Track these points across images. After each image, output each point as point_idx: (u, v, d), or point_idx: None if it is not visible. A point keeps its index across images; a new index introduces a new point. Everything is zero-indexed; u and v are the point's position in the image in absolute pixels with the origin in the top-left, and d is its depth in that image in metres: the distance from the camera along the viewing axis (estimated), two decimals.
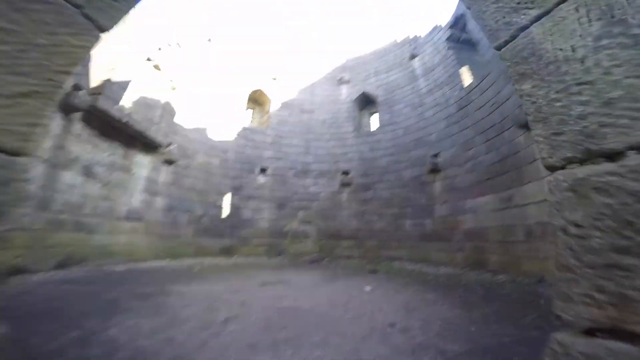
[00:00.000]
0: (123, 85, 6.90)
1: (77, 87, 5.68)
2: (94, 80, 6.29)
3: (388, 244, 9.13)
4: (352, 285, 4.98)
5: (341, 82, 12.73)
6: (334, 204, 10.46)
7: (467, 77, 8.52)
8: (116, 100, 6.62)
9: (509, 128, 6.38)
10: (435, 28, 10.32)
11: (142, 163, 7.64)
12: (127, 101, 7.19)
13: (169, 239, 7.96)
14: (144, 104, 7.90)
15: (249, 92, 11.76)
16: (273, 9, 14.20)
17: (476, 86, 7.74)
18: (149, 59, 8.13)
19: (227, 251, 8.99)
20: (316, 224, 10.27)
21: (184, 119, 9.16)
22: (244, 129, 10.79)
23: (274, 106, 12.00)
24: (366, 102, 12.44)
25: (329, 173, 10.91)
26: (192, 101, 9.63)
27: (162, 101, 8.33)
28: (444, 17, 9.83)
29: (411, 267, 7.64)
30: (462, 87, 8.41)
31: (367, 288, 4.70)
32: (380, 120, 11.11)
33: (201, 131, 9.57)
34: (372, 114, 12.38)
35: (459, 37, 9.19)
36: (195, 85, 9.92)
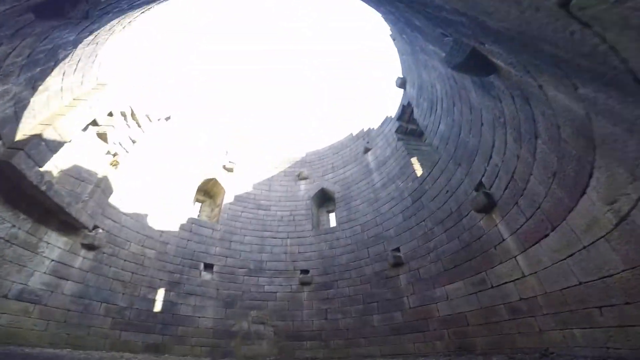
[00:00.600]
0: (54, 147, 6.08)
1: None
2: (21, 132, 5.50)
3: (356, 341, 7.81)
4: None
5: (300, 177, 12.72)
6: (293, 303, 9.04)
7: (417, 167, 8.82)
8: (39, 163, 5.69)
9: (467, 214, 6.32)
10: (386, 120, 11.13)
11: (55, 243, 6.26)
12: (53, 167, 6.26)
13: (77, 327, 6.18)
14: (74, 175, 6.98)
15: (201, 180, 11.17)
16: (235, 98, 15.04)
17: (427, 176, 7.93)
18: (95, 123, 7.55)
19: (155, 348, 7.08)
20: (272, 324, 8.64)
21: (122, 201, 8.15)
22: (190, 220, 9.75)
23: (227, 199, 11.34)
24: (324, 199, 12.32)
25: (286, 272, 9.76)
26: (136, 183, 8.79)
27: (99, 176, 7.44)
28: (394, 107, 10.69)
29: None
30: (414, 178, 8.59)
31: None
32: (339, 218, 10.79)
33: (140, 218, 8.43)
34: (329, 211, 12.15)
35: (406, 128, 9.90)
36: (143, 166, 9.25)
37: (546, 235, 4.16)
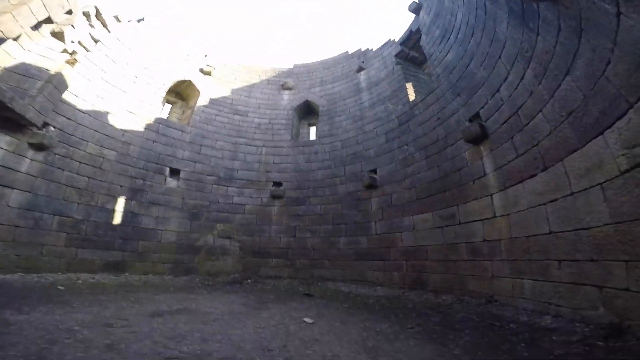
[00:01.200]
0: None
1: None
2: None
3: (321, 262, 8.25)
4: (286, 315, 3.83)
5: (284, 87, 11.84)
6: (261, 218, 9.16)
7: (411, 93, 8.42)
8: None
9: (453, 144, 6.21)
10: (387, 43, 10.23)
11: None
12: None
13: (26, 246, 5.63)
14: (20, 72, 5.87)
15: (174, 81, 10.01)
16: None
17: (420, 101, 7.57)
18: (49, 21, 6.20)
19: (115, 267, 6.85)
20: (239, 239, 8.77)
21: (79, 98, 7.11)
22: (158, 120, 8.91)
23: (201, 101, 10.39)
24: (307, 112, 11.75)
25: (258, 183, 9.65)
26: (97, 82, 7.66)
27: (51, 72, 6.30)
28: (399, 31, 9.83)
29: (347, 288, 6.83)
30: (405, 102, 8.20)
31: (308, 320, 3.58)
32: (320, 131, 10.44)
33: (99, 115, 7.50)
34: (311, 124, 11.71)
35: (407, 54, 9.21)
36: (106, 66, 8.01)
37: (533, 175, 4.11)
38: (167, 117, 10.26)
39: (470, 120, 5.77)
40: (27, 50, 6.12)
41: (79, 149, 6.88)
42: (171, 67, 10.08)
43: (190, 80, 10.46)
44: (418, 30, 8.60)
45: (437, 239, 6.13)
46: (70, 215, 6.45)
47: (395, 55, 9.41)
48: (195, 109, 10.15)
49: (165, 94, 9.70)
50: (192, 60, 10.91)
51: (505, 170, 4.77)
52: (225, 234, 8.69)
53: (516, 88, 4.57)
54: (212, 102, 10.63)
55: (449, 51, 6.79)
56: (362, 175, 8.45)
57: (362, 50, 11.44)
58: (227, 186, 9.37)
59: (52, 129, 6.33)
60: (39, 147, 6.02)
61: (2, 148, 5.48)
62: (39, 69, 6.14)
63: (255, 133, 10.64)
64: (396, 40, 9.71)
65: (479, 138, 5.36)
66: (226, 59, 12.32)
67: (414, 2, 8.72)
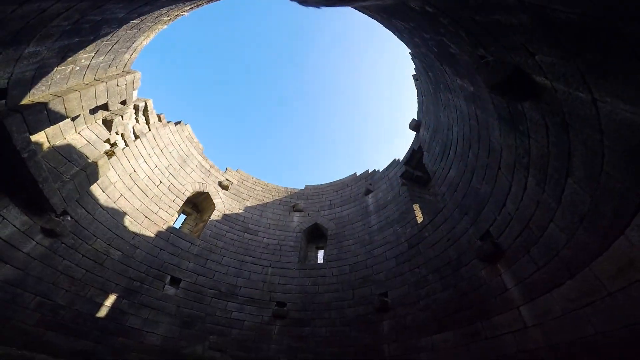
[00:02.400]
0: (54, 118, 5.76)
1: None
2: (30, 97, 5.20)
3: None
4: None
5: (295, 209, 12.41)
6: (260, 336, 8.07)
7: (419, 214, 8.68)
8: (32, 129, 5.34)
9: (467, 264, 6.04)
10: (392, 163, 11.14)
11: (11, 220, 5.50)
12: (45, 139, 5.93)
13: None
14: (64, 153, 6.56)
15: (193, 192, 10.76)
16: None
17: (428, 223, 7.74)
18: (105, 107, 7.23)
19: (82, 356, 5.80)
20: (232, 354, 7.54)
21: (104, 193, 7.62)
22: (170, 229, 9.16)
23: (215, 216, 10.84)
24: (316, 234, 11.91)
25: (260, 301, 8.95)
26: (125, 179, 8.36)
27: (89, 160, 7.03)
28: (402, 150, 10.90)
29: None
30: (414, 225, 8.36)
31: None
32: (328, 255, 10.32)
33: (117, 215, 7.83)
34: (319, 248, 11.66)
35: (412, 174, 9.85)
36: (137, 164, 8.91)
37: (561, 284, 3.86)
38: (180, 227, 10.52)
39: (481, 239, 5.76)
40: (78, 132, 6.88)
41: (87, 243, 6.88)
42: (194, 178, 10.99)
43: (208, 193, 11.19)
44: (420, 148, 9.51)
45: (462, 356, 5.30)
46: (53, 299, 5.93)
47: (401, 176, 10.08)
48: (208, 222, 10.47)
49: (183, 203, 10.23)
50: (213, 173, 11.95)
51: (528, 283, 4.49)
52: (218, 346, 7.60)
53: (522, 200, 4.71)
54: (225, 217, 11.05)
55: (450, 167, 7.31)
56: (372, 298, 7.86)
57: (370, 172, 12.41)
58: (228, 301, 8.72)
59: (69, 218, 6.53)
60: (49, 234, 6.06)
61: (14, 226, 5.53)
62: (80, 155, 6.79)
63: (262, 253, 10.58)
64: (401, 159, 10.66)
65: (494, 256, 5.26)
66: (244, 175, 13.38)
67: (414, 119, 10.03)
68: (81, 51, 5.39)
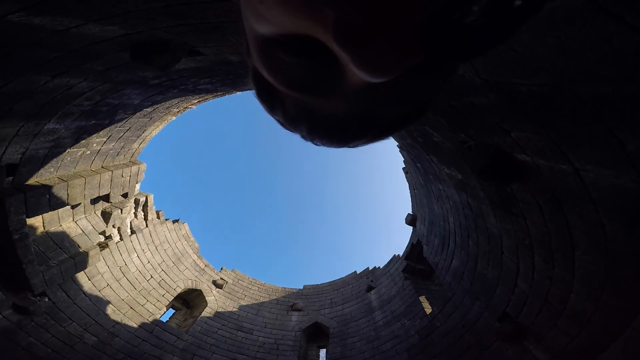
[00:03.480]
0: (55, 204, 5.84)
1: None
2: (36, 178, 5.36)
3: None
4: None
5: (293, 308, 11.61)
6: None
7: (427, 306, 8.09)
8: (30, 212, 5.39)
9: (490, 347, 5.51)
10: (393, 259, 10.84)
11: None
12: (40, 223, 5.92)
13: None
14: (56, 240, 6.47)
15: (185, 288, 10.20)
16: None
17: (439, 313, 7.20)
18: (107, 198, 7.37)
19: None
20: None
21: (90, 281, 7.27)
22: (155, 322, 8.39)
23: (206, 313, 10.05)
24: (317, 333, 10.89)
25: None
26: (114, 271, 8.06)
27: (80, 249, 6.88)
28: (402, 244, 10.57)
29: None
30: (423, 317, 7.77)
31: None
32: (331, 354, 9.22)
33: (100, 303, 7.29)
34: (321, 347, 10.53)
35: (414, 268, 9.49)
36: (129, 259, 8.70)
37: (605, 349, 3.54)
38: (167, 321, 9.68)
39: (499, 320, 5.34)
40: (75, 221, 6.84)
41: (60, 325, 6.32)
42: (187, 276, 10.58)
43: (200, 291, 10.63)
44: (419, 242, 9.34)
45: None
46: None
47: (403, 271, 9.75)
48: (199, 319, 9.69)
49: (173, 298, 9.62)
50: (208, 272, 11.59)
51: (565, 354, 4.14)
52: None
53: (533, 278, 4.48)
54: (218, 315, 10.27)
55: (452, 257, 7.10)
56: None
57: (370, 269, 12.04)
58: None
59: (46, 299, 6.13)
60: (20, 311, 5.67)
61: None
62: (72, 244, 6.64)
63: (257, 352, 9.49)
64: (401, 254, 10.36)
65: (517, 335, 4.89)
66: (239, 275, 12.94)
67: (409, 214, 9.99)
68: (95, 135, 5.80)
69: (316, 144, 0.49)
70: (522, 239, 4.43)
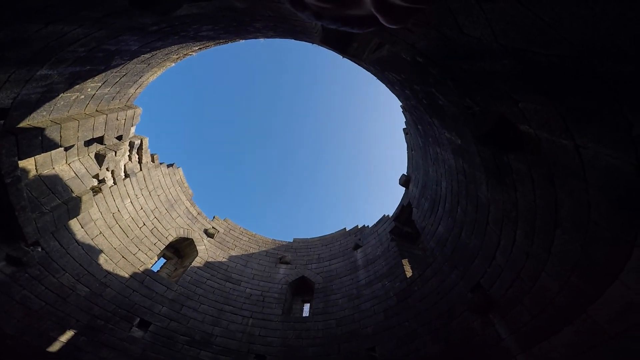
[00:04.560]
0: (48, 146, 5.70)
1: None
2: (29, 121, 5.17)
3: None
4: None
5: (281, 261, 12.00)
6: None
7: (408, 269, 8.50)
8: (22, 154, 5.28)
9: (459, 316, 5.85)
10: (382, 219, 11.16)
11: None
12: (33, 166, 5.82)
13: None
14: (49, 184, 6.40)
15: (176, 237, 10.37)
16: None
17: (418, 277, 7.61)
18: (101, 140, 7.19)
19: None
20: None
21: (83, 228, 7.30)
22: (146, 272, 8.64)
23: (196, 262, 10.34)
24: (303, 287, 11.39)
25: (237, 352, 8.15)
26: (107, 217, 8.09)
27: (73, 195, 6.84)
28: (393, 205, 10.88)
29: None
30: (403, 279, 8.21)
31: None
32: (314, 309, 9.77)
33: (92, 251, 7.41)
34: (305, 301, 11.10)
35: (401, 230, 9.82)
36: (123, 203, 8.69)
37: (558, 331, 3.77)
38: (158, 271, 9.95)
39: (472, 291, 5.65)
40: (68, 164, 6.76)
41: (53, 276, 6.41)
42: (179, 224, 10.68)
43: (192, 239, 10.81)
44: (409, 204, 9.60)
45: None
46: (1, 327, 5.29)
47: (390, 232, 10.06)
48: (189, 269, 9.98)
49: (164, 247, 9.81)
50: (200, 220, 11.70)
51: (523, 332, 4.34)
52: None
53: (511, 252, 4.70)
54: (208, 265, 10.58)
55: (439, 223, 7.34)
56: (359, 353, 7.38)
57: (359, 227, 12.37)
58: (201, 349, 7.93)
59: (39, 249, 6.16)
60: (14, 262, 5.66)
61: None
62: (65, 188, 6.61)
63: (244, 303, 9.98)
64: (390, 215, 10.67)
65: (486, 307, 5.13)
66: (231, 224, 13.10)
67: (403, 175, 10.21)
68: (89, 80, 5.57)
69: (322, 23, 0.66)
70: (509, 211, 4.58)
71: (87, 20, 3.74)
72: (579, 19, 1.53)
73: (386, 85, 6.93)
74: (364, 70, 6.71)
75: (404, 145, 10.97)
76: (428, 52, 3.59)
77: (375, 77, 6.76)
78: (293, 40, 6.80)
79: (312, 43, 6.51)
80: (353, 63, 6.64)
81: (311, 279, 11.07)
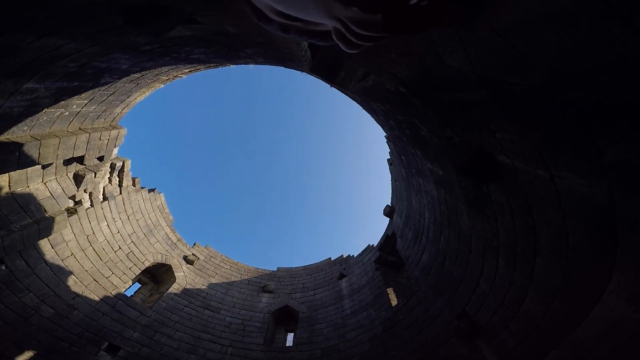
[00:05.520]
0: (24, 163, 5.52)
1: None
2: (7, 135, 5.05)
3: None
4: None
5: (264, 290, 11.68)
6: None
7: (393, 298, 8.41)
8: None
9: (445, 343, 5.79)
10: (366, 249, 11.17)
11: None
12: (7, 184, 5.60)
13: None
14: (22, 202, 6.15)
15: (154, 262, 9.98)
16: None
17: (403, 305, 7.54)
18: (81, 160, 7.01)
19: None
20: None
21: (54, 249, 6.98)
22: (119, 296, 8.23)
23: (173, 289, 9.92)
24: (286, 317, 11.09)
25: None
26: (82, 237, 7.76)
27: (46, 214, 6.56)
28: (378, 235, 10.96)
29: None
30: (388, 308, 8.14)
31: None
32: (298, 338, 9.43)
33: (61, 273, 7.06)
34: (289, 331, 10.76)
35: (386, 259, 9.79)
36: (98, 227, 8.38)
37: (545, 354, 3.76)
38: (132, 296, 9.48)
39: (458, 318, 5.58)
40: (44, 183, 6.51)
41: (15, 295, 6.08)
42: (157, 249, 10.35)
43: (170, 266, 10.46)
44: (393, 234, 9.64)
45: None
46: None
47: (375, 261, 10.06)
48: (165, 295, 9.56)
49: (140, 272, 9.42)
50: (180, 247, 11.40)
51: (511, 357, 4.36)
52: None
53: (494, 280, 4.71)
54: (185, 292, 10.18)
55: (423, 252, 7.36)
56: None
57: (344, 257, 12.32)
58: None
59: (3, 267, 5.84)
60: None
61: None
62: (38, 207, 6.35)
63: (223, 331, 9.55)
64: (375, 245, 10.66)
65: (472, 334, 5.10)
66: (212, 252, 12.83)
67: (387, 206, 10.31)
68: (76, 96, 5.50)
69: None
70: (491, 240, 4.63)
71: (80, 35, 3.74)
72: (549, 46, 1.63)
73: (371, 115, 7.12)
74: (351, 100, 6.91)
75: (388, 176, 11.18)
76: (411, 83, 3.74)
77: (361, 107, 6.95)
78: (282, 67, 6.99)
79: (301, 71, 6.70)
80: (340, 93, 6.83)
81: (295, 308, 10.80)
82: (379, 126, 7.62)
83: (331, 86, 6.12)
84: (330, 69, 5.28)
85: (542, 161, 2.80)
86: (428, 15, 0.57)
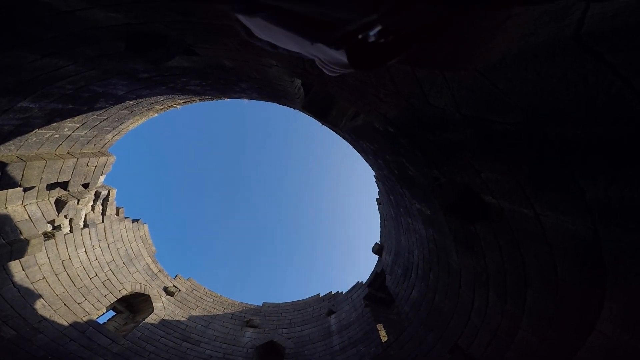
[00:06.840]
0: (7, 184, 5.39)
1: None
2: None
3: None
4: None
5: (249, 324, 11.20)
6: None
7: (383, 334, 8.16)
8: None
9: None
10: (355, 285, 11.02)
11: None
12: None
13: None
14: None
15: (131, 291, 9.56)
16: None
17: (394, 341, 7.33)
18: (65, 186, 6.84)
19: None
20: None
21: (25, 270, 6.70)
22: (90, 323, 7.79)
23: (150, 319, 9.43)
24: (271, 353, 10.59)
25: None
26: (56, 262, 7.45)
27: (22, 236, 6.31)
28: (367, 271, 10.78)
29: None
30: (378, 344, 7.89)
31: None
32: None
33: (29, 296, 6.71)
34: None
35: (375, 296, 9.61)
36: (75, 252, 8.08)
37: None
38: (104, 323, 8.98)
39: (450, 352, 5.46)
40: (24, 205, 6.28)
41: None
42: (136, 279, 10.00)
43: (148, 296, 10.02)
44: (383, 271, 9.55)
45: None
46: None
47: (364, 298, 9.89)
48: (141, 324, 9.08)
49: (115, 299, 8.99)
50: (160, 278, 11.04)
51: None
52: None
53: (486, 313, 4.66)
54: (163, 323, 9.69)
55: (413, 288, 7.29)
56: None
57: (333, 293, 12.10)
58: None
59: None
60: None
61: None
62: (14, 229, 6.09)
63: None
64: (364, 282, 10.49)
65: None
66: (195, 284, 12.41)
67: (376, 243, 10.27)
68: (69, 119, 5.47)
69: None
70: (480, 275, 4.62)
71: (82, 57, 3.80)
72: (527, 83, 1.71)
73: (361, 155, 7.27)
74: (341, 139, 7.06)
75: (377, 215, 11.33)
76: (398, 123, 3.87)
77: (351, 146, 7.10)
78: (275, 104, 7.17)
79: (294, 108, 6.87)
80: (331, 131, 7.00)
81: (281, 343, 10.35)
82: (368, 166, 7.79)
83: (322, 124, 6.28)
84: (322, 107, 5.45)
85: (527, 200, 2.86)
86: (387, 51, 0.65)
